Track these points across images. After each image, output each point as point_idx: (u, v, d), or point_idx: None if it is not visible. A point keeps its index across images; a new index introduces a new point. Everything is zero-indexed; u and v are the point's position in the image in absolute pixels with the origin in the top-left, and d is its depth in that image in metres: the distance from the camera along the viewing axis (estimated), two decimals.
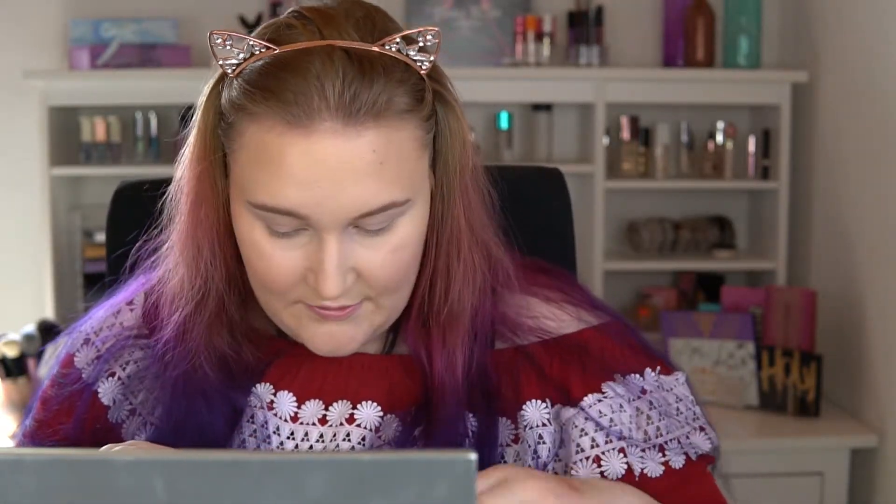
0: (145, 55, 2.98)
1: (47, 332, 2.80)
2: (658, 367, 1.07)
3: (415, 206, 0.97)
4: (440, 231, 1.01)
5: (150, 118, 3.08)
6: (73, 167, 3.01)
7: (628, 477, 1.02)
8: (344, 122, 0.91)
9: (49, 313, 2.95)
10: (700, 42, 3.11)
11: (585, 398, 1.03)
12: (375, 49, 0.93)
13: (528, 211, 1.14)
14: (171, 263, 1.04)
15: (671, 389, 1.07)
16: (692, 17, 3.11)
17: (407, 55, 0.95)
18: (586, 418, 1.03)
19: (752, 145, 3.15)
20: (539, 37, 3.11)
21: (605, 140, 3.07)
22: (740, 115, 3.24)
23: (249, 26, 3.06)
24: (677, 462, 1.04)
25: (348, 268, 0.95)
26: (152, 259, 1.08)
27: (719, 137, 3.17)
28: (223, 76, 0.97)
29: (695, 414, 1.08)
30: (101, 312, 1.14)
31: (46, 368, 2.82)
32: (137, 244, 1.09)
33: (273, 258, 0.95)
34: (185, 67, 3.00)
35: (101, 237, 2.99)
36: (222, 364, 1.04)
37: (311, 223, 0.93)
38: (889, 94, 2.59)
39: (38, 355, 2.79)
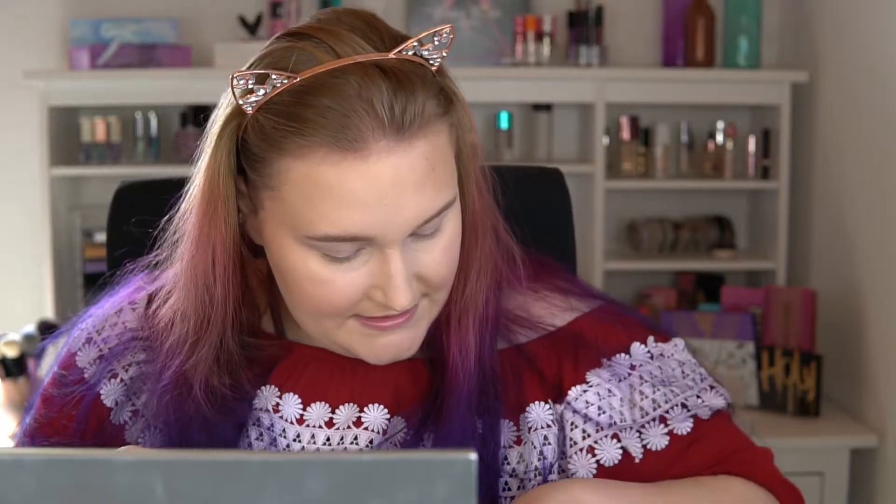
0: (145, 55, 2.98)
1: (47, 332, 2.80)
2: (651, 338, 1.07)
3: (456, 200, 0.98)
4: (462, 220, 1.01)
5: (150, 118, 3.08)
6: (73, 167, 3.01)
7: (626, 459, 1.03)
8: (397, 138, 0.90)
9: (49, 313, 2.95)
10: (700, 42, 3.11)
11: (570, 391, 1.04)
12: (393, 56, 0.92)
13: (528, 211, 1.14)
14: (175, 297, 1.02)
15: (672, 356, 1.08)
16: (692, 17, 3.11)
17: (421, 56, 0.94)
18: (574, 412, 1.03)
19: (752, 145, 3.15)
20: (539, 37, 3.11)
21: (605, 140, 3.07)
22: (740, 115, 3.24)
23: (250, 26, 3.06)
24: (683, 428, 1.04)
25: (412, 275, 0.95)
26: (153, 260, 1.08)
27: (719, 137, 3.17)
28: (236, 114, 0.95)
29: (701, 375, 1.08)
30: (101, 311, 1.13)
31: (47, 366, 2.83)
32: (145, 235, 1.08)
33: (334, 283, 0.94)
34: (185, 67, 3.00)
35: (101, 237, 2.99)
36: (221, 401, 1.02)
37: (375, 242, 0.93)
38: (889, 94, 2.59)
39: (38, 355, 2.79)
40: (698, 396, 1.06)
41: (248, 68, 0.95)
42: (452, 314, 1.03)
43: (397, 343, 1.00)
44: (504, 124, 3.16)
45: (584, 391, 1.04)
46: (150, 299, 1.09)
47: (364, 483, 0.57)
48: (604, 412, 1.03)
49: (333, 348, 1.04)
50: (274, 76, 0.91)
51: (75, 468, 0.58)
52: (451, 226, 0.98)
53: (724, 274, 3.23)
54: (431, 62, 0.95)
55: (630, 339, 1.07)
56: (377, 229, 0.91)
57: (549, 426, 1.03)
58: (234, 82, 0.92)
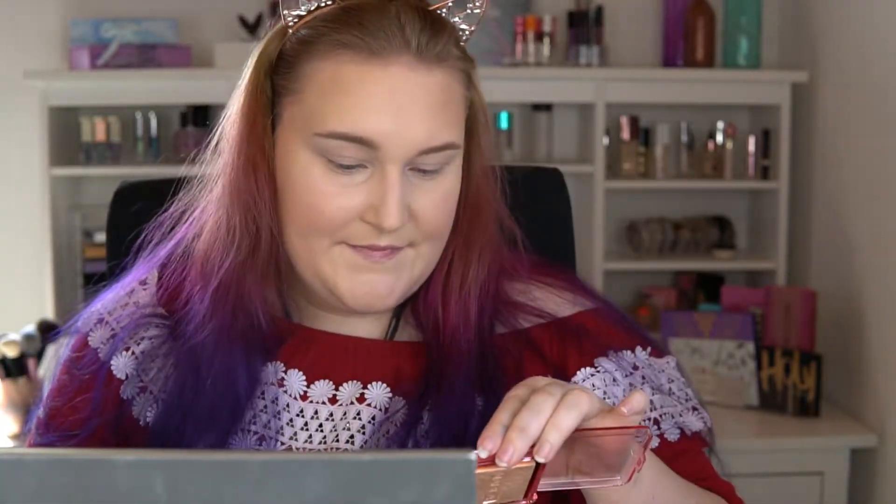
0: (145, 55, 2.98)
1: (47, 332, 2.80)
2: (648, 349, 1.10)
3: (459, 157, 1.03)
4: (465, 196, 1.05)
5: (150, 118, 3.08)
6: (73, 167, 3.01)
7: None
8: (419, 60, 0.97)
9: (49, 313, 2.95)
10: (700, 42, 3.11)
11: (578, 373, 1.06)
12: (432, 8, 1.01)
13: (528, 211, 1.14)
14: (212, 218, 1.04)
15: (663, 371, 1.10)
16: (692, 17, 3.11)
17: (453, 21, 1.03)
18: None
19: (752, 145, 3.15)
20: (539, 37, 3.11)
21: (605, 140, 3.07)
22: (740, 115, 3.24)
23: (250, 26, 3.06)
24: (672, 435, 1.06)
25: (406, 205, 0.98)
26: (160, 240, 1.10)
27: (719, 137, 3.17)
28: (280, 33, 1.01)
29: (687, 395, 1.10)
30: (111, 294, 1.14)
31: (50, 364, 2.82)
32: (146, 227, 1.10)
33: (331, 195, 0.98)
34: (185, 67, 3.00)
35: (101, 237, 2.99)
36: (271, 318, 1.05)
37: (379, 154, 0.96)
38: (889, 94, 2.59)
39: (38, 355, 2.79)
40: (681, 415, 1.08)
41: None
42: (453, 290, 1.05)
43: (374, 284, 1.01)
44: (504, 124, 3.16)
45: (592, 374, 1.06)
46: (161, 272, 1.11)
47: (364, 483, 0.57)
48: (609, 398, 1.05)
49: (316, 286, 1.03)
50: None
51: (75, 468, 0.58)
52: (452, 178, 1.02)
53: (724, 274, 3.23)
54: (461, 32, 1.03)
55: (632, 341, 1.10)
56: (385, 138, 0.96)
57: None
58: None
